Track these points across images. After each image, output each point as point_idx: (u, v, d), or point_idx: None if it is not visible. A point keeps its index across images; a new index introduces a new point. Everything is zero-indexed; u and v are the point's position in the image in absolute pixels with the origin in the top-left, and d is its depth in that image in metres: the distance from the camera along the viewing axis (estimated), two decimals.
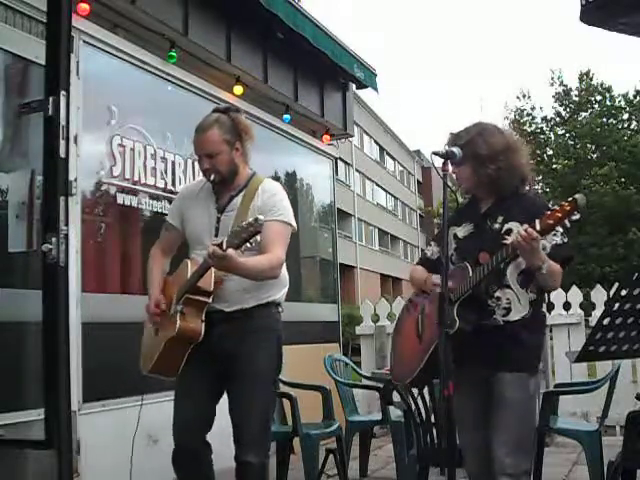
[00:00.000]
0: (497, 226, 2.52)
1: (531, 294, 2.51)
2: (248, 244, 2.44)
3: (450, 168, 2.58)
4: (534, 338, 2.54)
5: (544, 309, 2.62)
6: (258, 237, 2.44)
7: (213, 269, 2.64)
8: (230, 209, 2.76)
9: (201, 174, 2.88)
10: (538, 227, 2.24)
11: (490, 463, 2.49)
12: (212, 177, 2.76)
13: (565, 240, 2.43)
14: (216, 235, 2.71)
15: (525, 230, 2.26)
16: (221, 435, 2.77)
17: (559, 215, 2.20)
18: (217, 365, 2.74)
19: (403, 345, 2.80)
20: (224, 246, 2.45)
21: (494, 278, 2.47)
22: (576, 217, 2.21)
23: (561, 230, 2.35)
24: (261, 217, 2.44)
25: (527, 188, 2.66)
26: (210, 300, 2.69)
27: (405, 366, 2.71)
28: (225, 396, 2.83)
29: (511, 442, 2.42)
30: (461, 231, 2.64)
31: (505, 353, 2.47)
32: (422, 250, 2.92)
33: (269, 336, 2.78)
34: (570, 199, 2.20)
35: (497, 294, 2.49)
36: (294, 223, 2.82)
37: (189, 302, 2.68)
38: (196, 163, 4.79)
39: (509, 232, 2.45)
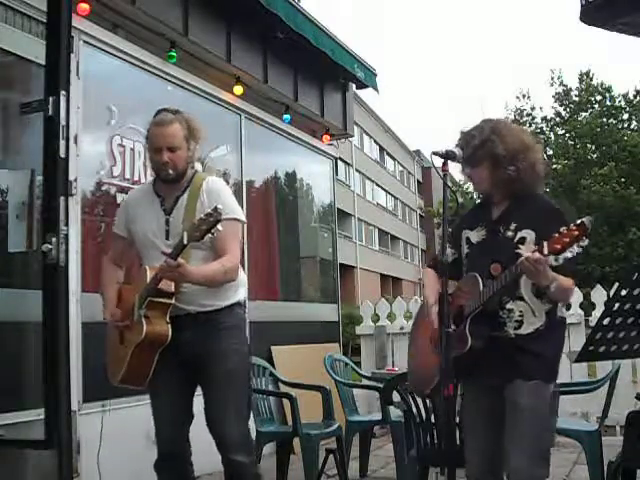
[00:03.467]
0: (510, 234, 2.44)
1: (546, 304, 2.41)
2: (210, 234, 2.45)
3: (464, 170, 2.53)
4: (549, 348, 2.44)
5: (562, 313, 2.50)
6: (220, 226, 2.44)
7: None
8: (177, 209, 2.76)
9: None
10: (545, 251, 2.16)
11: (493, 471, 2.48)
12: (170, 172, 2.74)
13: (578, 252, 2.29)
14: (167, 237, 2.71)
15: (532, 253, 2.19)
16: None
17: (567, 240, 2.12)
18: (186, 369, 2.73)
19: (419, 356, 2.73)
20: (185, 240, 2.47)
21: (508, 290, 2.39)
22: (584, 243, 2.13)
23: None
24: (220, 206, 2.46)
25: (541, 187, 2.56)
26: (173, 301, 2.67)
27: (422, 377, 2.65)
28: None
29: (526, 450, 2.36)
30: (474, 236, 2.56)
31: (518, 365, 2.39)
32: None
33: (237, 335, 2.78)
34: (578, 223, 2.11)
35: (509, 306, 2.42)
36: (243, 217, 2.82)
37: (152, 305, 2.65)
38: (196, 163, 4.84)
39: (522, 241, 2.39)
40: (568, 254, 2.27)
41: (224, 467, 2.72)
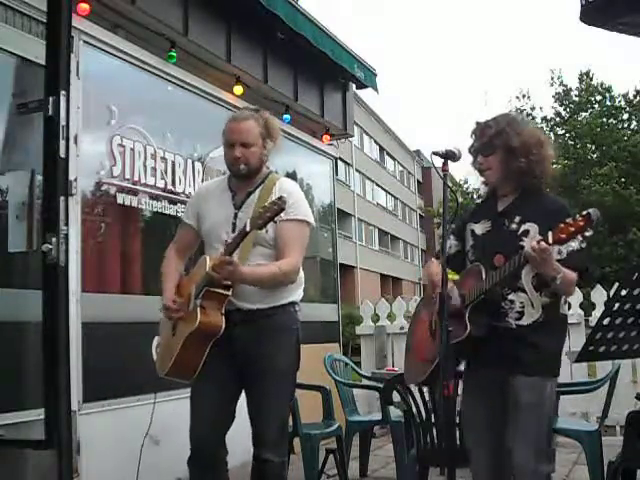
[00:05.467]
0: (514, 226, 2.48)
1: (544, 298, 2.45)
2: (273, 222, 2.50)
3: (477, 159, 2.57)
4: (549, 341, 2.47)
5: (564, 310, 2.54)
6: (283, 214, 2.49)
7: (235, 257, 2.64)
8: (247, 205, 2.77)
9: (221, 169, 2.91)
10: (550, 240, 2.20)
11: (500, 464, 2.49)
12: (241, 167, 2.77)
13: (583, 246, 2.35)
14: (233, 231, 2.72)
15: (537, 242, 2.22)
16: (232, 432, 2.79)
17: (572, 230, 2.15)
18: (235, 366, 2.74)
19: (416, 346, 2.76)
20: (248, 227, 2.50)
21: (509, 281, 2.43)
22: (589, 233, 2.17)
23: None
24: (285, 195, 2.52)
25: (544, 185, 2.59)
26: (230, 293, 2.67)
27: (418, 366, 2.67)
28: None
29: (530, 447, 2.39)
30: (479, 228, 2.60)
31: (518, 357, 2.43)
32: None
33: (288, 336, 2.79)
34: (584, 213, 2.15)
35: (511, 297, 2.46)
36: (312, 220, 2.84)
37: (209, 295, 2.66)
38: (196, 163, 4.86)
39: (526, 233, 2.42)
40: (573, 245, 2.29)
41: (253, 461, 2.75)
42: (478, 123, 2.59)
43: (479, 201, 2.75)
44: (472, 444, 2.58)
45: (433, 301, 2.55)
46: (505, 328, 2.45)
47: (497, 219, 2.56)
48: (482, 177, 2.64)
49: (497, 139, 2.50)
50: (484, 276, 2.42)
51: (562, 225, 2.17)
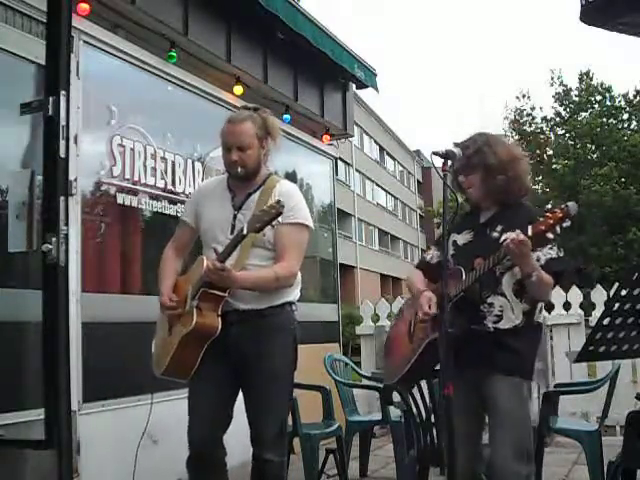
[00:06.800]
0: (495, 234, 2.55)
1: (525, 304, 2.52)
2: (270, 227, 2.49)
3: (458, 178, 2.65)
4: (525, 346, 2.54)
5: (540, 319, 2.62)
6: (280, 219, 2.48)
7: (230, 259, 2.64)
8: (247, 207, 2.76)
9: (220, 169, 2.91)
10: (530, 232, 2.28)
11: (471, 461, 2.54)
12: (239, 170, 2.76)
13: (560, 254, 2.48)
14: (232, 232, 2.71)
15: (517, 234, 2.30)
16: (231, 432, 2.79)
17: (550, 222, 2.24)
18: (232, 365, 2.74)
19: (394, 346, 2.83)
20: (245, 231, 2.51)
21: (489, 284, 2.50)
22: (567, 224, 2.25)
23: (556, 245, 2.43)
24: (282, 199, 2.52)
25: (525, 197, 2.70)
26: (227, 294, 2.67)
27: (394, 366, 2.75)
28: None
29: (509, 448, 2.42)
30: (460, 239, 2.68)
31: (495, 359, 2.49)
32: (422, 252, 2.96)
33: (285, 335, 2.78)
34: (562, 206, 2.24)
35: (490, 300, 2.52)
36: (310, 223, 2.83)
37: (205, 297, 2.66)
38: (196, 163, 4.86)
39: None
40: (551, 253, 2.42)
41: (253, 461, 2.75)
42: (455, 144, 2.63)
43: (464, 213, 2.80)
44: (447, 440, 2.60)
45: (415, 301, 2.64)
46: (482, 331, 2.50)
47: (479, 229, 2.64)
48: (464, 195, 2.72)
49: (475, 158, 2.58)
50: (464, 276, 2.48)
51: (541, 219, 2.26)
